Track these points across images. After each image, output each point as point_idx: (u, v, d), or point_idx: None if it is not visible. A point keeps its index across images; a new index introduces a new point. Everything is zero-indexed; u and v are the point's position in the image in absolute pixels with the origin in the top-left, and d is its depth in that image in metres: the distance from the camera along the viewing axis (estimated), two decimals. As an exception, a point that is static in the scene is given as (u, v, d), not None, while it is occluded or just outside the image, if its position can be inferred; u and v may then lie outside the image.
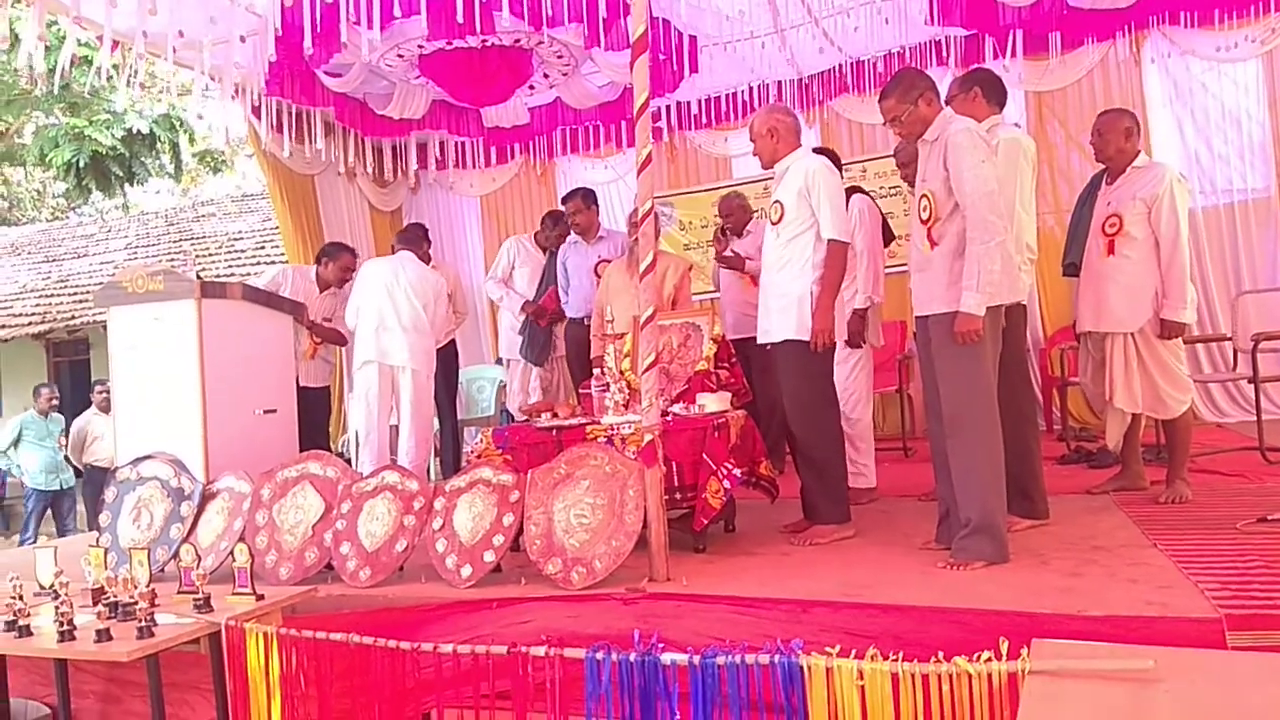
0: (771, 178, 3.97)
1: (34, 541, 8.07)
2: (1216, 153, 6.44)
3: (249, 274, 10.35)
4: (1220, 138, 6.44)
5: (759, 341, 3.95)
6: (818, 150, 4.70)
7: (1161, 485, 4.01)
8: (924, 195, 3.33)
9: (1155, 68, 6.52)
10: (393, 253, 5.45)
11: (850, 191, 4.50)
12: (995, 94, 3.82)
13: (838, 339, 3.83)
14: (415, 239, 5.55)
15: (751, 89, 7.12)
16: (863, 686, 2.11)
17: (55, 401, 9.09)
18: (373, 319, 5.10)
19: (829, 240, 3.67)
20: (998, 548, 3.13)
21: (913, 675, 2.06)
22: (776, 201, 3.80)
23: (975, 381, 3.19)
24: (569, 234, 5.86)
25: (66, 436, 8.59)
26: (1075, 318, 4.24)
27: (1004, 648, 2.04)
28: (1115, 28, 6.32)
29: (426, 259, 5.56)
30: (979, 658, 2.03)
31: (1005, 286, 3.20)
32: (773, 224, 3.82)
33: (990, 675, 2.01)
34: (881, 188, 6.77)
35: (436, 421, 6.02)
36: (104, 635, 2.72)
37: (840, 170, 4.59)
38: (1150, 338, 3.91)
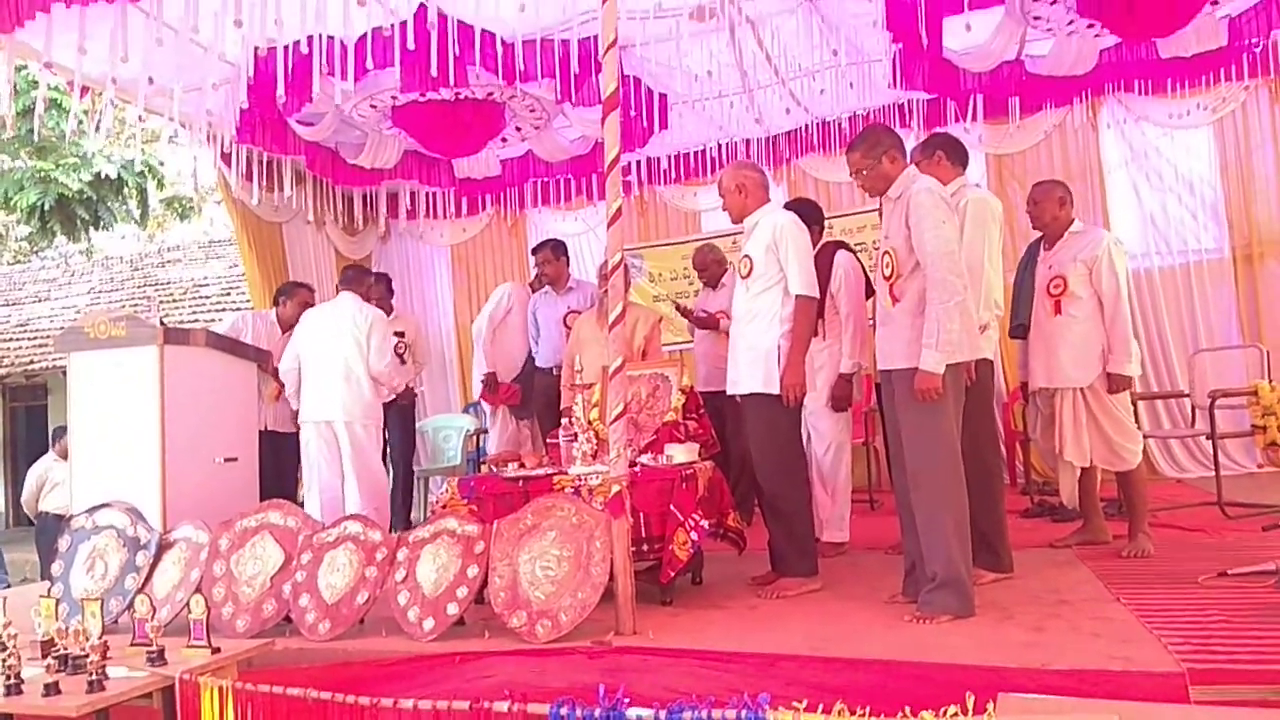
0: (741, 233, 4.02)
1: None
2: (1171, 214, 6.64)
3: (214, 320, 10.26)
4: (1175, 200, 6.64)
5: (728, 392, 3.97)
6: (796, 201, 4.78)
7: (1124, 539, 4.06)
8: (886, 252, 3.39)
9: (1112, 132, 6.74)
10: (337, 294, 5.24)
11: (835, 247, 4.53)
12: (957, 156, 3.92)
13: (809, 394, 3.86)
14: (354, 278, 5.28)
15: (720, 146, 7.23)
16: (829, 742, 2.09)
17: None
18: (307, 373, 4.94)
19: (797, 295, 3.71)
20: (963, 601, 3.14)
21: (879, 730, 2.05)
22: (745, 256, 3.85)
23: (938, 436, 3.23)
24: None
25: None
26: (1027, 376, 4.36)
27: (970, 702, 2.03)
28: (1073, 94, 6.52)
29: (368, 297, 5.24)
30: (945, 712, 2.02)
31: (966, 344, 3.26)
32: (742, 278, 3.87)
33: (957, 730, 2.00)
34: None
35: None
36: (52, 689, 2.64)
37: (822, 221, 4.65)
38: (1099, 392, 4.02)
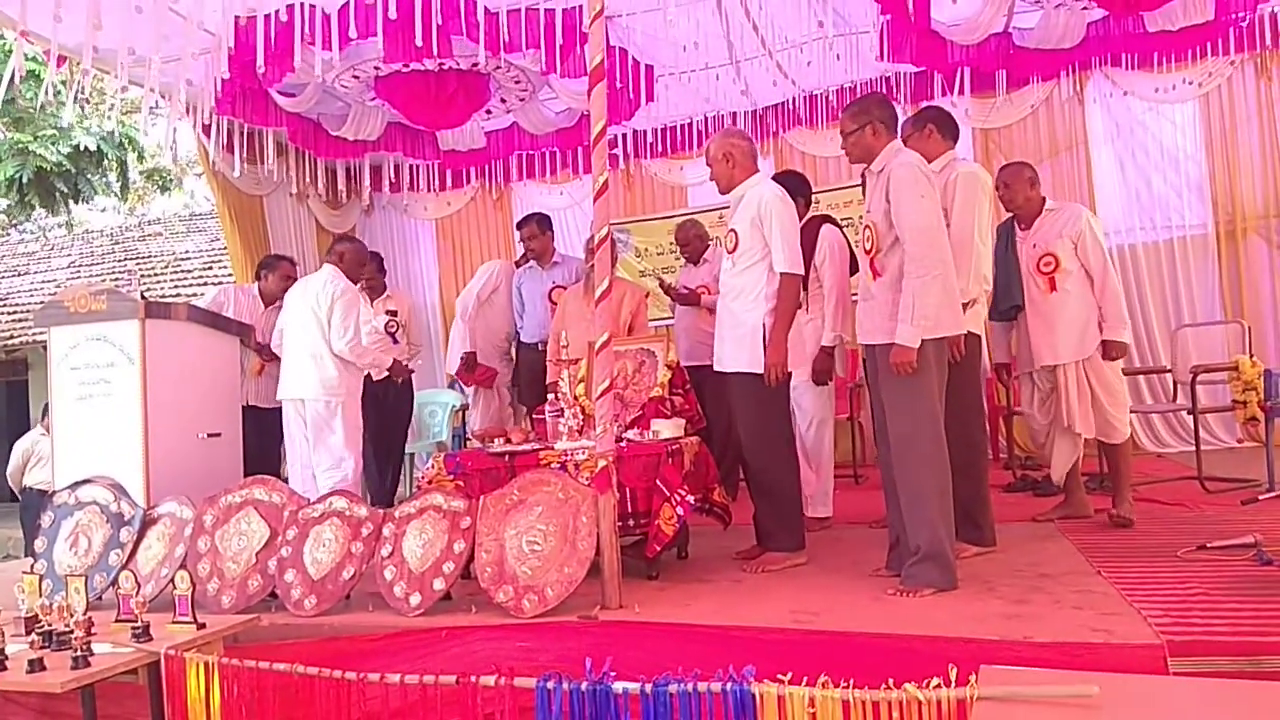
0: (727, 206, 4.00)
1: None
2: (1155, 190, 6.65)
3: (195, 294, 10.16)
4: (1160, 176, 6.65)
5: (714, 368, 3.96)
6: (784, 174, 4.75)
7: (1104, 513, 4.11)
8: (868, 226, 3.39)
9: (1098, 107, 6.73)
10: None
11: (821, 222, 4.51)
12: (948, 130, 3.91)
13: (795, 370, 3.85)
14: (331, 248, 5.18)
15: (707, 119, 7.20)
16: (814, 714, 2.11)
17: None
18: (284, 350, 4.88)
19: (781, 273, 3.69)
20: (946, 575, 3.16)
21: (863, 702, 2.07)
22: (731, 230, 3.83)
23: (921, 410, 3.24)
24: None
25: None
26: (1005, 358, 4.44)
27: (953, 674, 2.05)
28: (1059, 67, 6.50)
29: (348, 271, 4.95)
30: (928, 684, 2.04)
31: (946, 319, 3.25)
32: (729, 252, 3.84)
33: (939, 702, 2.02)
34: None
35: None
36: (37, 665, 2.63)
37: (809, 194, 4.63)
38: (1098, 362, 4.08)
